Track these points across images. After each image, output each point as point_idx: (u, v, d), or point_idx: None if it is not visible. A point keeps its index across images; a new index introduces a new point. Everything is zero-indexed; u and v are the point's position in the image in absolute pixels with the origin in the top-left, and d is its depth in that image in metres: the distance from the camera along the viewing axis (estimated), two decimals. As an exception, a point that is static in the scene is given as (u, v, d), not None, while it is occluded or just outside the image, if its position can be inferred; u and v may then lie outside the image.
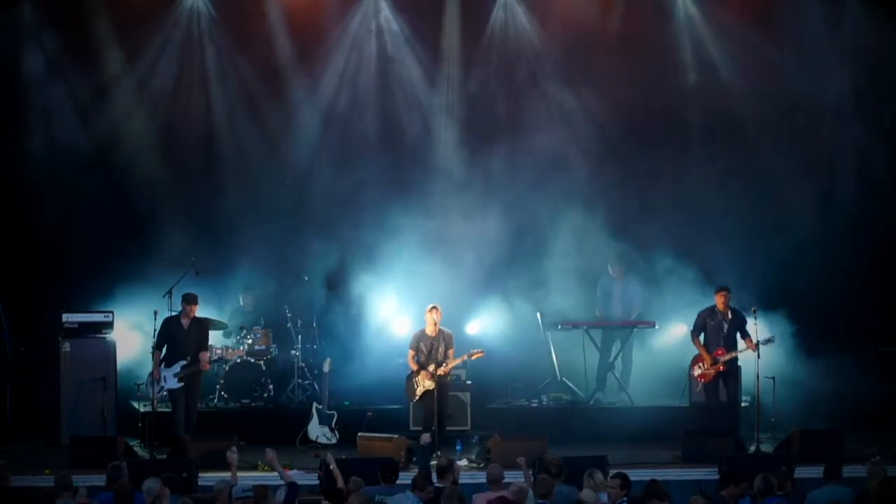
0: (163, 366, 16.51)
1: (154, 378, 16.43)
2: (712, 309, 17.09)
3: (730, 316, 16.97)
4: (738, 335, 16.93)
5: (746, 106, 19.57)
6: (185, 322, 16.55)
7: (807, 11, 19.52)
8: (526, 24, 19.66)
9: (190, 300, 16.59)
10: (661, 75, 19.48)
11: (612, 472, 12.88)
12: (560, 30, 19.53)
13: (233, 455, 13.37)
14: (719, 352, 16.90)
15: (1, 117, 18.83)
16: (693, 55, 19.59)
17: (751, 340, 16.77)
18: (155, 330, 16.69)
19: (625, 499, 12.08)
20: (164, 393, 16.61)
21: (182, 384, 16.45)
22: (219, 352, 18.03)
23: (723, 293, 17.03)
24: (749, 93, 19.51)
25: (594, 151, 19.45)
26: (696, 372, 17.12)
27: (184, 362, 16.43)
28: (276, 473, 13.23)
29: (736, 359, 16.96)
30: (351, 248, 18.84)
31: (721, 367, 16.89)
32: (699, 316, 17.18)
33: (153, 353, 16.55)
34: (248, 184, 19.30)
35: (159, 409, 16.92)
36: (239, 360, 18.13)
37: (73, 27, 18.89)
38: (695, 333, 17.16)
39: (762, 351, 16.73)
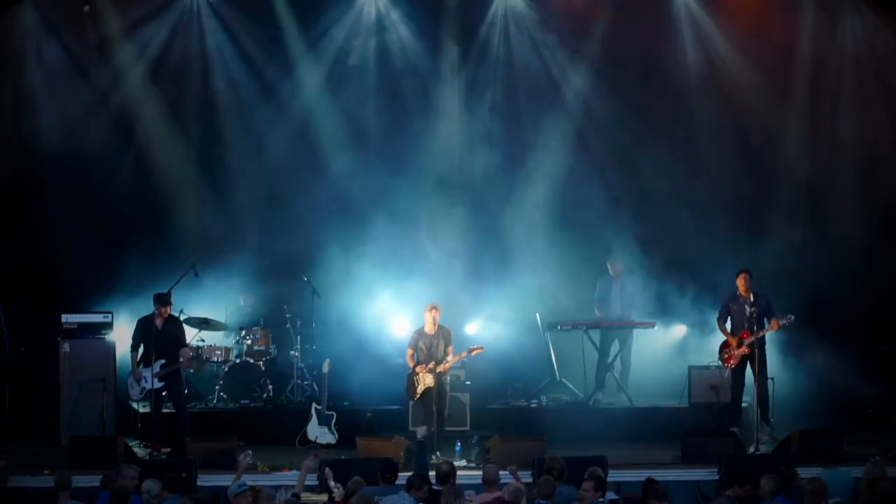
0: (141, 366, 16.47)
1: (134, 378, 16.37)
2: (734, 293, 17.07)
3: (752, 298, 16.88)
4: (765, 317, 16.87)
5: (749, 100, 19.64)
6: (159, 322, 16.46)
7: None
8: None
9: (164, 301, 16.48)
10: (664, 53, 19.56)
11: (608, 472, 12.90)
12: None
13: (246, 458, 13.36)
14: (744, 335, 16.83)
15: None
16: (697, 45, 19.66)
17: (776, 320, 16.72)
18: (153, 331, 16.71)
19: (601, 499, 12.07)
20: (143, 394, 16.43)
21: (163, 383, 16.40)
22: (218, 353, 18.04)
23: (743, 276, 16.98)
24: (752, 87, 19.58)
25: (601, 144, 19.58)
26: (724, 356, 17.04)
27: (163, 361, 16.37)
28: (273, 475, 13.24)
29: (763, 340, 16.88)
30: (350, 248, 18.80)
31: (745, 350, 16.81)
32: (723, 302, 17.19)
33: (130, 354, 16.51)
34: (247, 182, 19.26)
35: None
36: (238, 361, 18.14)
37: (73, 27, 18.90)
38: (720, 320, 17.17)
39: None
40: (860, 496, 12.37)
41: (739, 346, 16.86)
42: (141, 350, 16.54)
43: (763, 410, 16.97)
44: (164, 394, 16.49)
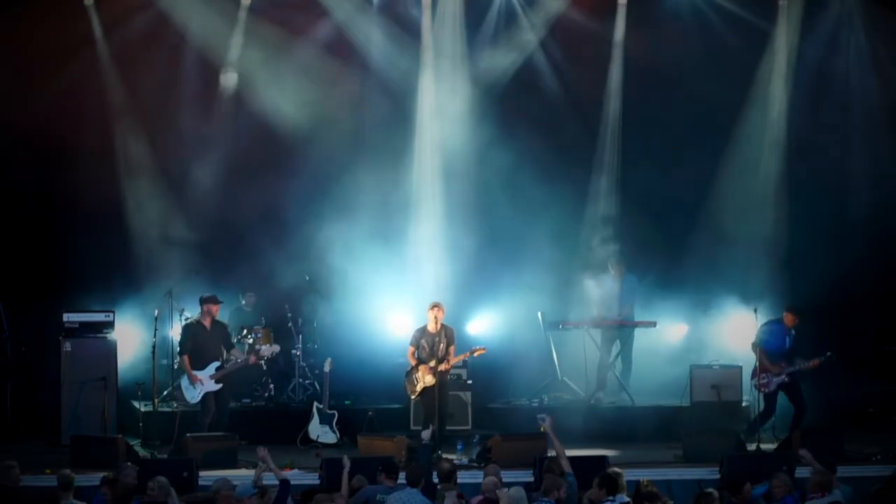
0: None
1: (192, 382, 16.28)
2: (779, 324, 17.24)
3: (793, 333, 17.23)
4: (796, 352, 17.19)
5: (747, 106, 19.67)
6: (207, 324, 16.49)
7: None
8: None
9: (214, 300, 16.48)
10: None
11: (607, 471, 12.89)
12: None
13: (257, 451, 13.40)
14: (783, 365, 17.05)
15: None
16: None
17: (817, 360, 16.97)
18: (155, 330, 16.74)
19: (610, 499, 12.04)
20: (200, 397, 16.33)
21: (220, 385, 16.41)
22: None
23: (795, 314, 17.24)
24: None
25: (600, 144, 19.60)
26: (761, 381, 17.08)
27: (217, 363, 16.36)
28: (271, 472, 13.25)
29: (797, 371, 17.09)
30: (351, 246, 18.77)
31: (786, 379, 17.01)
32: (763, 330, 17.21)
33: (181, 358, 16.44)
34: (247, 180, 19.18)
35: (171, 410, 17.12)
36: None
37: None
38: (757, 346, 17.17)
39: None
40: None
41: (780, 374, 16.96)
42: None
43: (798, 425, 17.02)
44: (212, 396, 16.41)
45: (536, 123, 19.40)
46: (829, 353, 17.01)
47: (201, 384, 16.21)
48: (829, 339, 18.40)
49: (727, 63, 19.35)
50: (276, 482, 12.80)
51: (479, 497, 12.41)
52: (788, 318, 17.25)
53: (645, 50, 19.44)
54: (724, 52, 19.30)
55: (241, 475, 13.95)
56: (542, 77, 19.56)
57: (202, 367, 16.28)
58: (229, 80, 19.04)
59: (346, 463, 13.35)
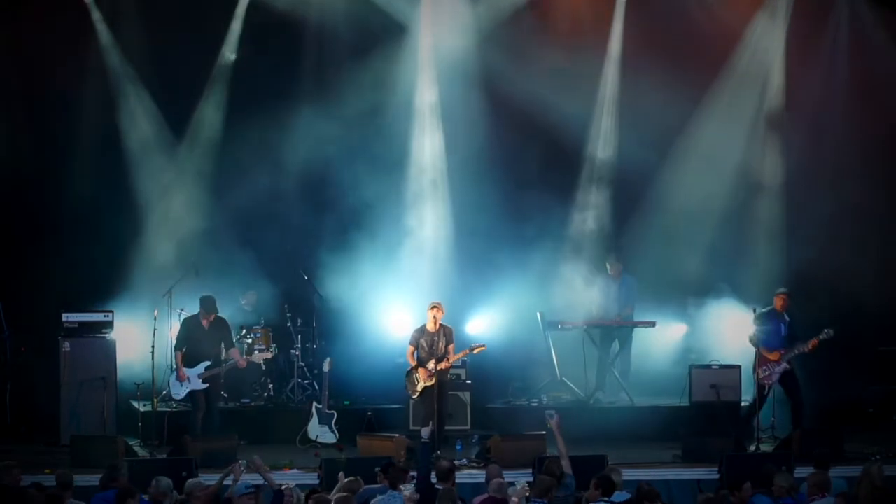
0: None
1: (180, 379, 16.40)
2: (771, 311, 17.21)
3: (787, 318, 17.17)
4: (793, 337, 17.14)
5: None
6: (205, 323, 16.56)
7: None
8: None
9: (208, 308, 16.55)
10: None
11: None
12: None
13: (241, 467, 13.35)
14: (783, 352, 17.02)
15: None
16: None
17: (816, 339, 16.91)
18: (154, 330, 16.76)
19: (605, 499, 12.06)
20: (185, 394, 16.50)
21: (206, 385, 16.44)
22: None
23: (783, 296, 17.21)
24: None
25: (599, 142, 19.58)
26: (763, 374, 17.08)
27: (208, 363, 16.43)
28: (273, 474, 13.24)
29: (797, 355, 17.10)
30: (351, 246, 18.77)
31: (788, 366, 17.00)
32: (758, 318, 17.16)
33: (175, 353, 16.59)
34: (248, 181, 19.17)
35: (160, 409, 17.06)
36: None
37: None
38: (754, 339, 17.16)
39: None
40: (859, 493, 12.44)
41: (780, 362, 16.98)
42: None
43: (799, 420, 17.07)
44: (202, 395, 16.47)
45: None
46: (827, 330, 16.92)
47: (188, 382, 16.31)
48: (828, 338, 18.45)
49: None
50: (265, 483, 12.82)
51: (483, 496, 12.39)
52: (778, 302, 17.22)
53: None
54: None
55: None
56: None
57: (193, 365, 16.39)
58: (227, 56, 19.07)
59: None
